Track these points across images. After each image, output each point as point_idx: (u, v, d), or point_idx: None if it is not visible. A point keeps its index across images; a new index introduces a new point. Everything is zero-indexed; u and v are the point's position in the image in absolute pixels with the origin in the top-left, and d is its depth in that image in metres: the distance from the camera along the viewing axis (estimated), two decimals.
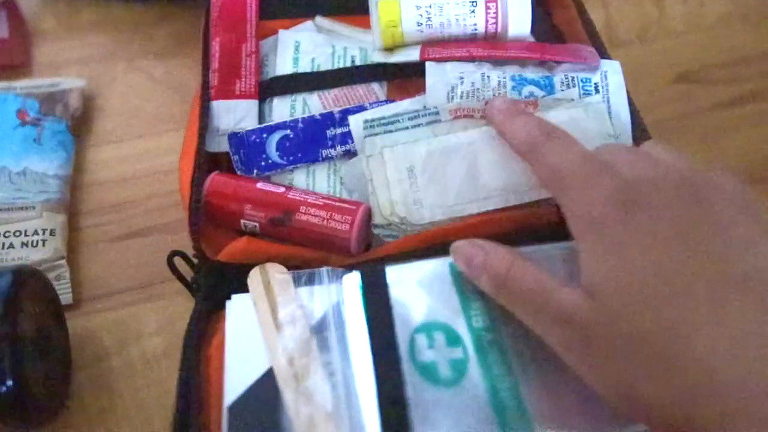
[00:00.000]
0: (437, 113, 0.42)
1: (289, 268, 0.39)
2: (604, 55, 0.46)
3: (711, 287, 0.28)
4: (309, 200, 0.41)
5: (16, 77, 0.55)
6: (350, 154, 0.43)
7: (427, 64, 0.44)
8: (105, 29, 0.58)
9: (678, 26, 0.61)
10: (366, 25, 0.48)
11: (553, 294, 0.31)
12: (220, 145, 0.44)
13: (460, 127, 0.41)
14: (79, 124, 0.52)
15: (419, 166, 0.40)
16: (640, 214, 0.30)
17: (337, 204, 0.41)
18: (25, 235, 0.45)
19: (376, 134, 0.42)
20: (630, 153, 0.34)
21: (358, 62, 0.47)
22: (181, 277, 0.42)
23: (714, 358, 0.27)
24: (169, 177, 0.50)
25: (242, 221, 0.41)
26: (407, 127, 0.42)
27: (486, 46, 0.45)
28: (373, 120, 0.42)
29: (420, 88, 0.44)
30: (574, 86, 0.43)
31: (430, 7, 0.45)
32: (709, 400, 0.27)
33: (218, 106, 0.44)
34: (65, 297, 0.44)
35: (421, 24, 0.45)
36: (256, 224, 0.41)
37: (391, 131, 0.42)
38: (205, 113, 0.43)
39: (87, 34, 0.58)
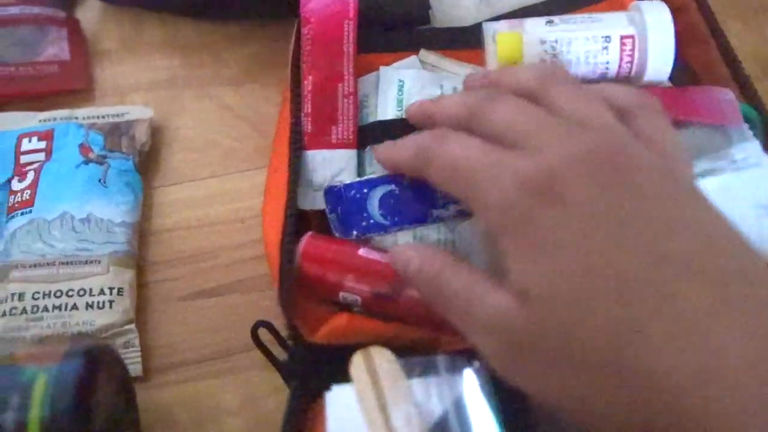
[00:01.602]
0: None
1: (393, 349, 0.34)
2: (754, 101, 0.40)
3: (651, 279, 0.26)
4: None
5: (78, 103, 0.50)
6: (464, 215, 0.38)
7: None
8: (172, 51, 0.53)
9: None
10: (476, 60, 0.43)
11: (482, 298, 0.29)
12: (314, 202, 0.39)
13: None
14: (146, 161, 0.48)
15: None
16: (560, 205, 0.27)
17: None
18: (90, 295, 0.40)
19: None
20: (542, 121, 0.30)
21: None
22: (267, 352, 0.38)
23: (666, 360, 0.24)
24: (247, 225, 0.46)
25: (341, 294, 0.36)
26: None
27: None
28: None
29: None
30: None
31: (557, 42, 0.39)
32: (666, 408, 0.24)
33: (312, 156, 0.39)
34: (134, 368, 0.39)
35: (546, 62, 0.40)
36: (358, 298, 0.36)
37: None
38: (296, 164, 0.38)
39: (153, 55, 0.53)
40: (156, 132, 0.49)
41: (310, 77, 0.41)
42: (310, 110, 0.40)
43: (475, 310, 0.29)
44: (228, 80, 0.52)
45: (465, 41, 0.44)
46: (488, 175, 0.29)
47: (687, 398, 0.24)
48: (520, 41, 0.39)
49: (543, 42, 0.39)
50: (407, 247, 0.34)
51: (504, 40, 0.40)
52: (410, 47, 0.44)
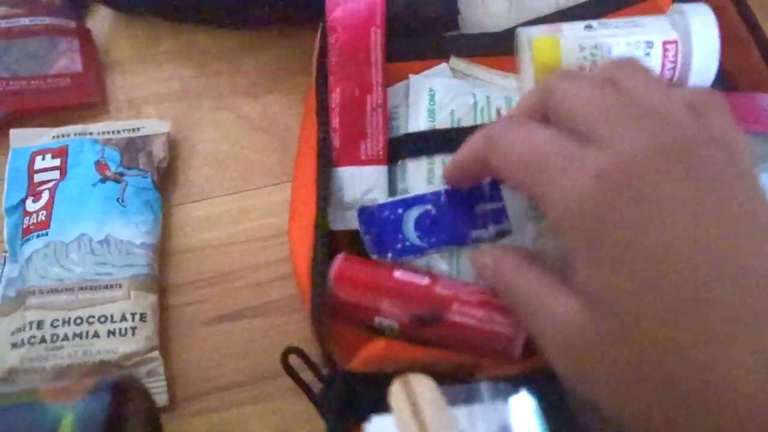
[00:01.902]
0: None
1: (432, 375, 0.32)
2: None
3: (735, 295, 0.24)
4: (462, 296, 0.34)
5: (92, 118, 0.49)
6: (504, 234, 0.36)
7: None
8: (187, 60, 0.52)
9: None
10: (509, 67, 0.41)
11: (549, 302, 0.28)
12: (344, 222, 0.37)
13: None
14: (164, 178, 0.46)
15: None
16: (638, 203, 0.25)
17: (497, 301, 0.34)
18: (112, 321, 0.39)
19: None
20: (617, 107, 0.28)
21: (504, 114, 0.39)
22: (300, 381, 0.36)
23: (747, 385, 0.23)
24: (271, 243, 0.44)
25: (377, 318, 0.35)
26: None
27: None
28: None
29: None
30: None
31: (596, 48, 0.38)
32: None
33: (340, 173, 0.37)
34: (160, 397, 0.38)
35: (585, 69, 0.38)
36: (395, 323, 0.35)
37: None
38: (325, 183, 0.37)
39: (168, 65, 0.52)
40: (173, 146, 0.48)
41: (338, 89, 0.39)
42: (338, 125, 0.38)
43: (541, 314, 0.29)
44: (246, 90, 0.51)
45: (496, 48, 0.42)
46: (558, 167, 0.27)
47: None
48: (558, 47, 0.38)
49: (582, 48, 0.37)
50: (485, 251, 0.34)
51: (541, 46, 0.38)
52: (440, 54, 0.42)
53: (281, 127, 0.49)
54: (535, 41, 0.38)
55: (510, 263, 0.31)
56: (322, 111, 0.39)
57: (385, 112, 0.39)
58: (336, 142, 0.38)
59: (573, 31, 0.38)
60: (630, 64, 0.30)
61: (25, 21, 0.50)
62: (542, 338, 0.29)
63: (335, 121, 0.38)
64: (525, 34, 0.39)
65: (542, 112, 0.30)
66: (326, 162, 0.37)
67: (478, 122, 0.39)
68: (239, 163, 0.47)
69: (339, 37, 0.39)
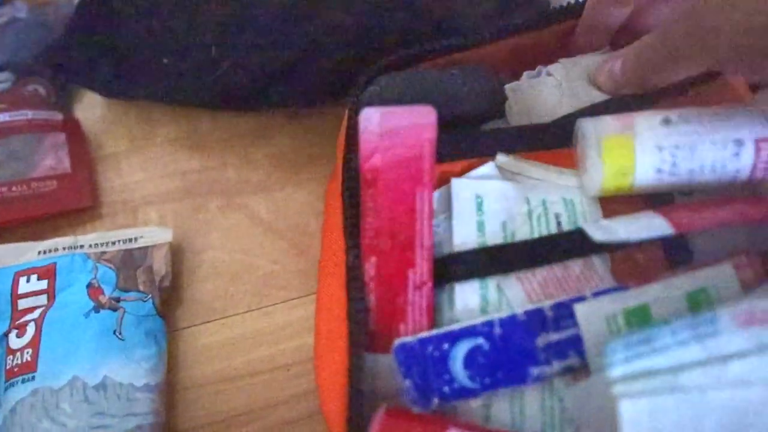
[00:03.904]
0: (713, 319, 0.29)
1: None
2: None
3: None
4: None
5: (83, 225, 0.44)
6: (571, 371, 0.31)
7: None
8: (190, 151, 0.47)
9: None
10: (565, 162, 0.36)
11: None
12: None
13: (752, 346, 0.28)
14: (167, 297, 0.41)
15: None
16: None
17: None
18: None
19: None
20: None
21: (564, 223, 0.34)
22: None
23: None
24: (294, 372, 0.39)
25: None
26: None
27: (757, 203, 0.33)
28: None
29: (660, 263, 0.32)
30: None
31: (678, 148, 0.32)
32: None
33: (374, 360, 0.32)
34: None
35: (663, 171, 0.33)
36: None
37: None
38: (357, 370, 0.31)
39: (168, 158, 0.47)
40: (177, 256, 0.42)
41: (373, 260, 0.33)
42: (374, 303, 0.33)
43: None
44: (257, 184, 0.46)
45: (549, 140, 0.37)
46: None
47: None
48: (632, 148, 0.32)
49: (661, 149, 0.32)
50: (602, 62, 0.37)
51: (612, 146, 0.33)
52: (484, 151, 0.37)
53: (299, 229, 0.44)
54: (605, 140, 0.33)
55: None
56: (354, 276, 0.33)
57: (430, 292, 0.34)
58: (371, 323, 0.33)
59: (649, 128, 0.33)
60: None
61: (5, 117, 0.45)
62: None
63: (370, 299, 0.33)
64: (591, 129, 0.33)
65: None
66: (357, 339, 0.32)
67: (535, 233, 0.34)
68: (254, 274, 0.42)
69: (377, 195, 0.33)
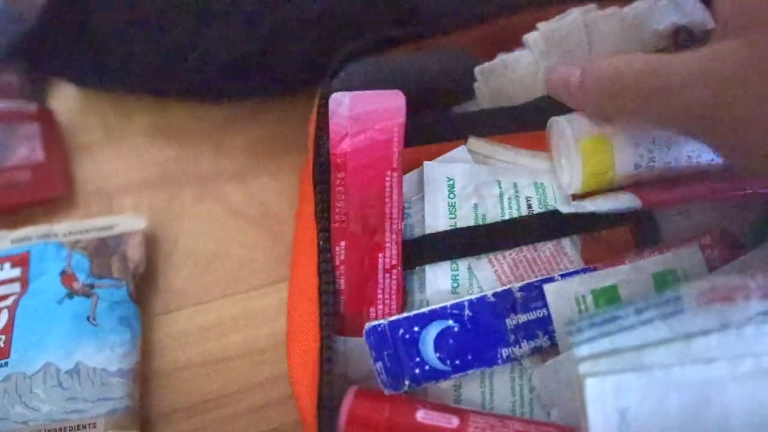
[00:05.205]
0: (677, 298, 0.30)
1: None
2: None
3: None
4: None
5: (57, 214, 0.44)
6: (541, 351, 0.32)
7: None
8: (165, 141, 0.47)
9: None
10: (538, 145, 0.37)
11: (672, 62, 0.28)
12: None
13: (714, 324, 0.29)
14: (142, 283, 0.41)
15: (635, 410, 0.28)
16: None
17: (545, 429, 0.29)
18: None
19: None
20: None
21: (536, 207, 0.35)
22: None
23: None
24: (268, 357, 0.39)
25: None
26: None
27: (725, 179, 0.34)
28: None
29: (628, 246, 0.33)
30: None
31: (654, 143, 0.33)
32: None
33: (344, 343, 0.33)
34: None
35: (640, 166, 0.33)
36: None
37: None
38: (327, 351, 0.31)
39: (142, 148, 0.47)
40: (151, 244, 0.43)
41: (343, 244, 0.34)
42: (344, 287, 0.34)
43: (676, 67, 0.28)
44: (232, 173, 0.46)
45: (521, 123, 0.37)
46: None
47: None
48: (610, 147, 0.33)
49: (638, 145, 0.33)
50: (560, 68, 0.34)
51: (591, 149, 0.33)
52: (456, 134, 0.37)
53: (273, 216, 0.44)
54: (582, 143, 0.33)
55: (601, 60, 0.31)
56: (324, 260, 0.34)
57: (400, 274, 0.34)
58: (340, 306, 0.33)
59: (626, 126, 0.33)
60: None
61: None
62: (677, 94, 0.27)
63: (339, 282, 0.34)
64: (569, 131, 0.34)
65: None
66: (327, 322, 0.32)
67: (506, 216, 0.35)
68: (228, 261, 0.43)
69: (346, 179, 0.34)
